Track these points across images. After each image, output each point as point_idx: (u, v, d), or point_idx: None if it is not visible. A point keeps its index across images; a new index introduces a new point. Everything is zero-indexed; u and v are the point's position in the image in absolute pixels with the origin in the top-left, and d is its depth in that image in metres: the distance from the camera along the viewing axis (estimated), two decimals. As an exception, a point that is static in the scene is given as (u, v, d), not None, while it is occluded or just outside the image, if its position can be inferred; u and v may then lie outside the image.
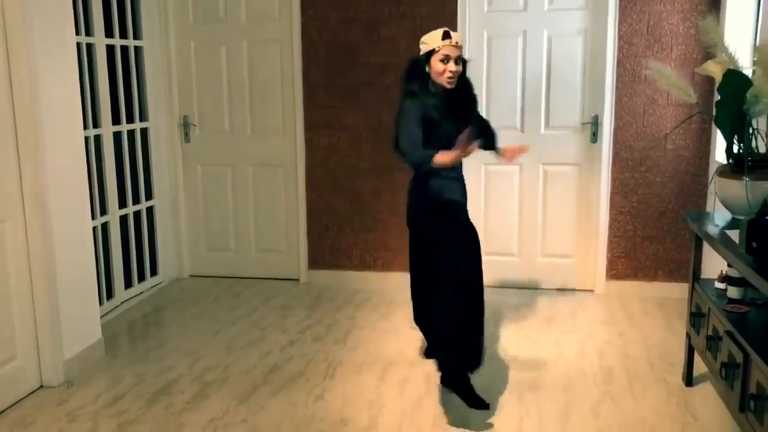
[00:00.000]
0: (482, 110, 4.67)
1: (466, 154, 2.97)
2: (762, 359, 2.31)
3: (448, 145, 2.99)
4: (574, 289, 4.77)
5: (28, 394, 3.32)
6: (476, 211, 4.78)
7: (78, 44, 3.74)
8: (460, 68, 3.15)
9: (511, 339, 3.95)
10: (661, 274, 4.63)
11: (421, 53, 3.17)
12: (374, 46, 4.68)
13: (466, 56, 3.32)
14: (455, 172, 3.24)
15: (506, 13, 4.59)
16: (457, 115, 3.17)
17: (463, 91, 3.25)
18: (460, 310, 3.02)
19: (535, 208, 4.76)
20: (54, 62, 3.38)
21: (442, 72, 3.11)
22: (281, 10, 4.81)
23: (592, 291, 4.73)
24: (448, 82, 3.14)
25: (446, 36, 3.11)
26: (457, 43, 3.13)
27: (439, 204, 3.21)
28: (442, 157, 2.95)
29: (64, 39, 3.47)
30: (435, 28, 4.52)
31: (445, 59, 3.11)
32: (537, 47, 4.58)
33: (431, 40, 3.14)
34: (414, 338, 3.90)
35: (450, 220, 3.19)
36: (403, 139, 3.10)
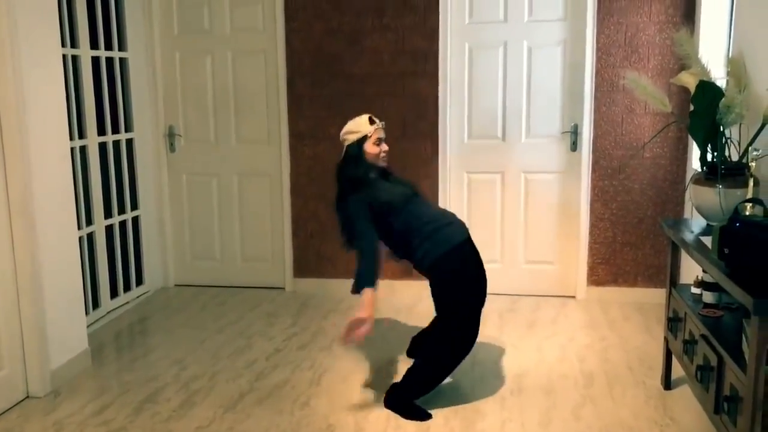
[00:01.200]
0: (465, 121, 4.78)
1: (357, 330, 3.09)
2: (735, 362, 2.39)
3: (405, 205, 3.29)
4: (556, 295, 4.85)
5: (15, 405, 3.33)
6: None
7: (64, 56, 3.77)
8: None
9: (494, 344, 4.01)
10: (640, 279, 4.72)
11: (351, 142, 3.34)
12: (358, 57, 4.74)
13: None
14: (431, 207, 3.50)
15: (487, 24, 4.68)
16: (392, 179, 3.45)
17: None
18: (450, 365, 3.26)
19: (517, 215, 4.84)
20: (40, 74, 3.41)
21: (377, 153, 3.34)
22: (265, 22, 4.86)
23: (573, 297, 4.81)
24: (382, 161, 3.38)
25: (372, 121, 3.34)
26: (383, 125, 3.39)
27: (451, 250, 3.28)
28: (364, 305, 3.12)
29: (50, 51, 3.50)
30: (417, 40, 4.68)
31: (378, 141, 3.34)
32: (517, 58, 4.67)
33: (360, 128, 3.33)
34: (399, 345, 3.95)
35: (472, 281, 3.34)
36: (362, 243, 3.25)
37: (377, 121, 3.37)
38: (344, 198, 3.31)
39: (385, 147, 3.39)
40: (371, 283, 3.16)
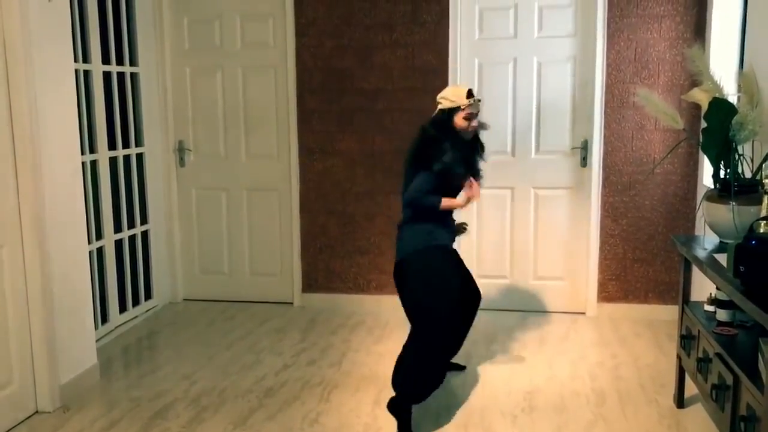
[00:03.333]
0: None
1: (472, 199, 3.32)
2: (751, 381, 2.36)
3: (450, 190, 3.31)
4: (566, 312, 4.82)
5: (24, 420, 3.32)
6: (468, 234, 4.84)
7: (76, 71, 3.79)
8: (475, 124, 3.37)
9: (504, 361, 3.98)
10: (651, 296, 4.69)
11: (443, 107, 3.33)
12: (368, 72, 4.75)
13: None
14: (448, 220, 3.45)
15: (497, 40, 4.69)
16: (472, 163, 3.45)
17: (475, 140, 3.49)
18: (419, 372, 3.18)
19: (526, 231, 4.82)
20: (53, 88, 3.43)
21: (465, 127, 3.32)
22: (276, 37, 4.89)
23: (583, 313, 4.78)
24: (467, 135, 3.36)
25: (470, 95, 3.30)
26: (480, 101, 3.35)
27: (431, 247, 3.32)
28: (451, 202, 3.29)
29: (63, 65, 3.53)
30: (427, 56, 4.69)
31: (469, 116, 3.31)
32: (527, 74, 4.67)
33: (456, 98, 3.31)
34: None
35: (442, 262, 3.33)
36: (416, 189, 3.25)
37: (475, 96, 3.33)
38: (417, 159, 3.30)
39: (474, 124, 3.35)
40: (437, 203, 3.27)
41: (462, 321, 3.54)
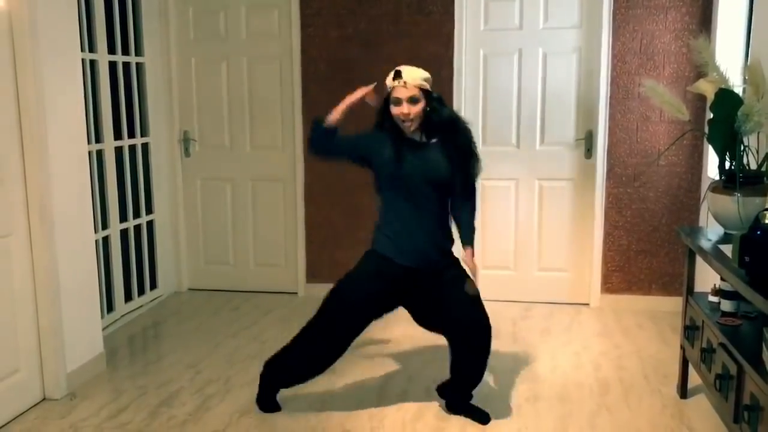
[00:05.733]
0: (479, 128, 4.77)
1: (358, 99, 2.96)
2: (755, 371, 2.38)
3: (407, 193, 2.96)
4: (570, 303, 4.83)
5: (32, 407, 3.35)
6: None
7: (82, 60, 3.80)
8: (415, 109, 2.91)
9: (508, 351, 4.00)
10: (654, 287, 4.70)
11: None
12: (373, 63, 4.75)
13: (432, 91, 3.00)
14: (416, 219, 3.02)
15: (502, 31, 4.68)
16: (427, 163, 2.97)
17: (447, 138, 3.00)
18: (298, 356, 3.15)
19: (531, 222, 4.83)
20: (59, 78, 3.44)
21: (396, 116, 2.93)
22: (281, 28, 4.89)
23: (587, 304, 4.80)
24: (405, 126, 2.95)
25: (397, 76, 2.90)
26: (405, 82, 2.88)
27: (369, 251, 3.13)
28: (336, 109, 2.97)
29: (70, 56, 3.54)
30: (432, 46, 4.69)
31: (397, 101, 2.91)
32: (532, 65, 4.67)
33: (387, 81, 2.96)
34: (414, 351, 3.95)
35: (363, 269, 3.11)
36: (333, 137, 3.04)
37: (404, 75, 2.88)
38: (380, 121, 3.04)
39: (404, 109, 2.88)
40: (320, 122, 3.03)
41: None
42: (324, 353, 3.15)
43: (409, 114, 2.90)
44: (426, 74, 2.96)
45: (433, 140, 3.02)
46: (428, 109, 2.94)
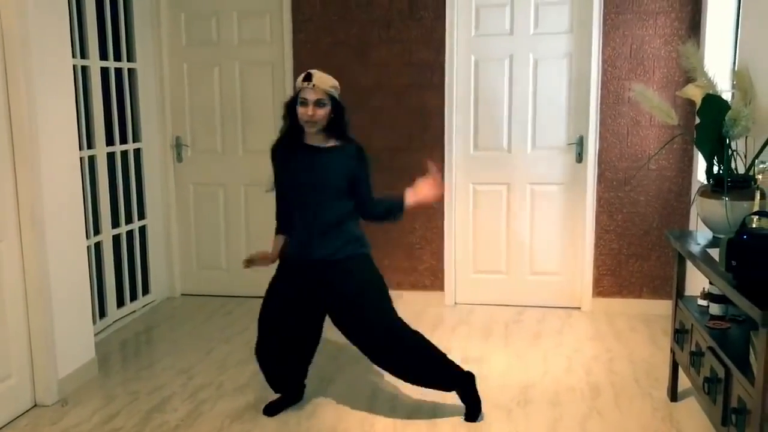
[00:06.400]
0: (471, 133, 4.79)
1: None
2: (742, 374, 2.40)
3: (302, 199, 3.10)
4: (561, 307, 4.85)
5: (23, 413, 3.34)
6: (465, 230, 4.88)
7: (73, 66, 3.80)
8: (320, 112, 2.96)
9: (500, 355, 4.01)
10: (646, 291, 4.72)
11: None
12: (364, 69, 4.77)
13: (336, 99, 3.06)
14: (303, 220, 3.13)
15: (493, 37, 4.71)
16: (316, 170, 3.04)
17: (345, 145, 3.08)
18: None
19: (522, 226, 4.85)
20: (51, 84, 3.44)
21: (301, 115, 2.97)
22: (273, 34, 4.90)
23: (579, 308, 4.81)
24: (307, 127, 3.00)
25: (307, 78, 2.95)
26: (314, 85, 2.93)
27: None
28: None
29: (61, 61, 3.54)
30: (424, 52, 4.71)
31: (303, 102, 2.96)
32: (523, 70, 4.69)
33: (297, 81, 3.03)
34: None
35: (277, 272, 3.28)
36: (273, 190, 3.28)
37: (312, 80, 2.92)
38: (273, 144, 3.21)
39: (309, 111, 2.93)
40: (279, 231, 3.34)
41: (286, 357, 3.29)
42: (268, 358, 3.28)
43: (313, 116, 2.96)
44: (335, 82, 3.04)
45: (331, 144, 3.07)
46: (332, 115, 3.02)
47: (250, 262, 3.37)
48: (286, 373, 3.34)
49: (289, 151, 3.11)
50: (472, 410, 3.22)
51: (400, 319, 3.17)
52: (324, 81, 2.98)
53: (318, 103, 2.95)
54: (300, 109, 2.97)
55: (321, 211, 3.08)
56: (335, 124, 3.04)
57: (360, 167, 3.10)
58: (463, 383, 3.23)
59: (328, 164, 3.05)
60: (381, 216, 3.23)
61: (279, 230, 3.34)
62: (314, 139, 3.07)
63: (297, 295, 3.19)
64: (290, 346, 3.27)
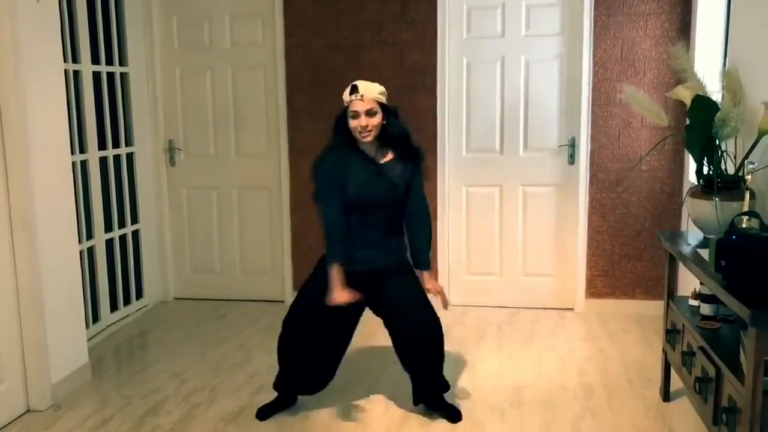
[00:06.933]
0: (463, 135, 4.80)
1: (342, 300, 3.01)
2: (733, 373, 2.41)
3: (360, 207, 3.06)
4: (555, 308, 4.86)
5: (15, 419, 3.34)
6: (458, 232, 4.89)
7: (65, 71, 3.80)
8: (373, 121, 2.99)
9: (493, 357, 4.02)
10: (638, 291, 4.74)
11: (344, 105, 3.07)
12: (356, 71, 4.77)
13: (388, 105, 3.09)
14: (370, 226, 3.11)
15: (485, 39, 4.72)
16: (384, 177, 3.07)
17: (402, 155, 3.13)
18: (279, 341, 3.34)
19: (515, 228, 4.86)
20: (42, 89, 3.44)
21: (354, 127, 3.00)
22: (265, 37, 4.91)
23: (572, 309, 4.83)
24: (363, 137, 3.01)
25: (353, 90, 2.99)
26: (363, 96, 2.97)
27: (323, 255, 3.17)
28: (333, 279, 3.02)
29: (52, 66, 3.54)
30: (416, 55, 4.72)
31: (354, 115, 2.99)
32: (515, 72, 4.71)
33: (344, 96, 3.04)
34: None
35: (315, 273, 3.23)
36: (322, 210, 3.11)
37: (360, 89, 2.97)
38: (320, 156, 3.13)
39: (363, 121, 2.96)
40: (335, 255, 3.04)
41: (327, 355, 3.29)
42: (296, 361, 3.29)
43: (367, 126, 2.98)
44: (381, 88, 3.07)
45: (389, 158, 3.11)
46: (385, 122, 3.04)
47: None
48: (320, 371, 3.35)
49: (349, 163, 3.07)
50: (452, 411, 3.25)
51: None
52: (371, 90, 3.00)
53: (369, 113, 2.98)
54: (352, 122, 3.00)
55: (386, 223, 3.13)
56: (389, 131, 3.06)
57: (416, 172, 3.19)
58: (444, 389, 3.31)
59: (392, 174, 3.09)
60: (426, 234, 3.27)
61: (336, 255, 3.06)
62: (371, 149, 3.09)
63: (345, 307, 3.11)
64: (327, 347, 3.28)
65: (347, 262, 3.06)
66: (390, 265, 3.18)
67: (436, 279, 3.36)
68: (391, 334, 3.25)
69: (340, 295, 3.02)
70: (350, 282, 3.06)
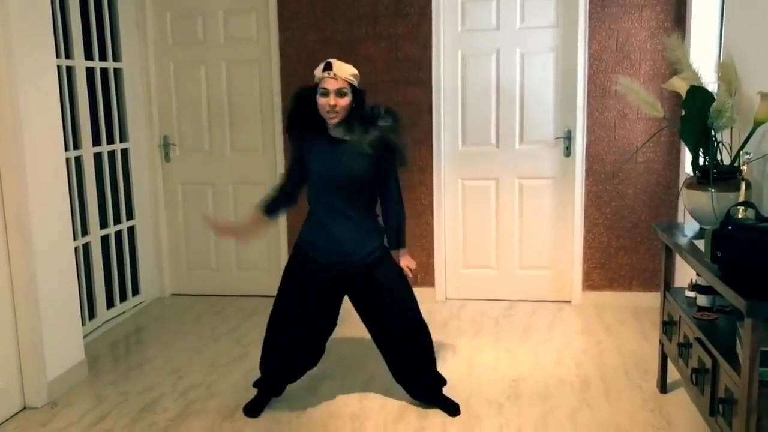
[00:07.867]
0: (459, 128, 4.79)
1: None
2: (729, 364, 2.41)
3: (323, 191, 3.09)
4: (552, 301, 4.86)
5: (12, 416, 3.33)
6: (454, 226, 4.89)
7: (58, 67, 3.78)
8: (342, 102, 2.93)
9: (490, 350, 4.02)
10: (635, 283, 4.74)
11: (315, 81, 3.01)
12: (351, 65, 4.74)
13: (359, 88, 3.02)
14: (331, 217, 3.11)
15: (479, 32, 4.71)
16: (349, 160, 2.98)
17: (367, 134, 2.99)
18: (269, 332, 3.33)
19: (511, 221, 4.86)
20: (35, 85, 3.42)
21: (323, 107, 2.94)
22: (259, 31, 4.89)
23: (569, 302, 4.83)
24: (330, 118, 2.96)
25: (327, 67, 2.92)
26: (335, 74, 2.90)
27: (295, 243, 3.27)
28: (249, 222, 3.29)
29: (45, 62, 3.51)
30: (410, 48, 4.71)
31: (324, 92, 2.92)
32: (510, 65, 4.70)
33: (316, 72, 2.98)
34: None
35: (294, 263, 3.25)
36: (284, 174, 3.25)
37: (333, 69, 2.90)
38: (289, 125, 3.15)
39: (331, 101, 2.90)
40: (263, 208, 3.24)
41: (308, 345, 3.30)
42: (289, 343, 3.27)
43: (335, 105, 2.93)
44: (355, 71, 3.01)
45: (353, 136, 3.01)
46: (353, 105, 2.98)
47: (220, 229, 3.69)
48: (294, 368, 3.34)
49: (314, 140, 3.07)
50: (451, 406, 3.26)
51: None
52: (344, 70, 2.95)
53: (339, 93, 2.92)
54: (321, 100, 2.94)
55: (344, 204, 3.08)
56: (357, 113, 3.00)
57: (389, 163, 3.10)
58: (440, 384, 3.32)
59: (350, 155, 2.99)
60: (397, 216, 3.23)
61: (267, 210, 3.29)
62: (336, 130, 3.04)
63: (322, 291, 3.20)
64: (307, 338, 3.28)
65: (311, 251, 3.15)
66: (366, 259, 3.14)
67: (411, 256, 3.38)
68: (370, 330, 3.29)
69: (222, 233, 3.61)
70: (328, 276, 3.13)
